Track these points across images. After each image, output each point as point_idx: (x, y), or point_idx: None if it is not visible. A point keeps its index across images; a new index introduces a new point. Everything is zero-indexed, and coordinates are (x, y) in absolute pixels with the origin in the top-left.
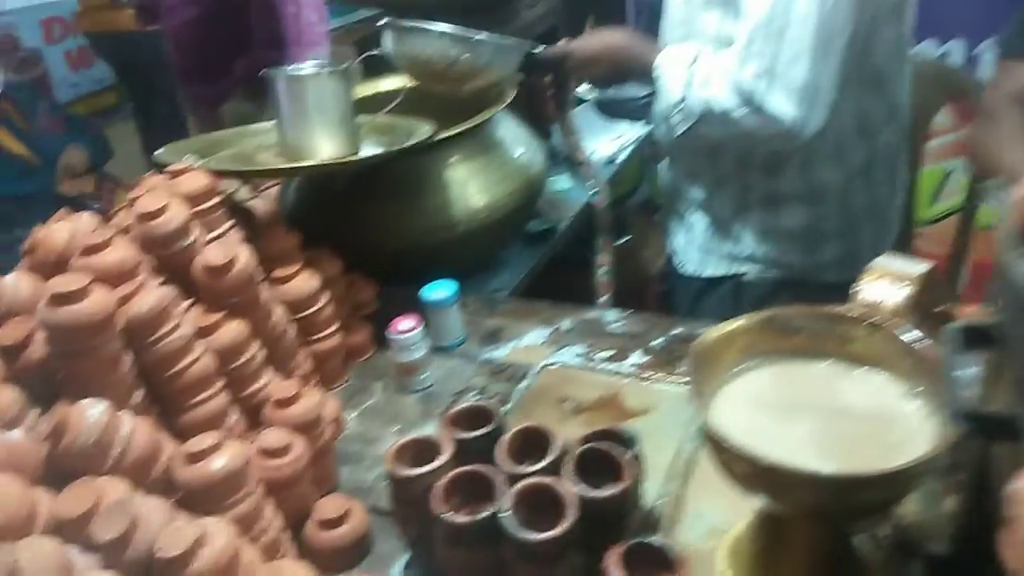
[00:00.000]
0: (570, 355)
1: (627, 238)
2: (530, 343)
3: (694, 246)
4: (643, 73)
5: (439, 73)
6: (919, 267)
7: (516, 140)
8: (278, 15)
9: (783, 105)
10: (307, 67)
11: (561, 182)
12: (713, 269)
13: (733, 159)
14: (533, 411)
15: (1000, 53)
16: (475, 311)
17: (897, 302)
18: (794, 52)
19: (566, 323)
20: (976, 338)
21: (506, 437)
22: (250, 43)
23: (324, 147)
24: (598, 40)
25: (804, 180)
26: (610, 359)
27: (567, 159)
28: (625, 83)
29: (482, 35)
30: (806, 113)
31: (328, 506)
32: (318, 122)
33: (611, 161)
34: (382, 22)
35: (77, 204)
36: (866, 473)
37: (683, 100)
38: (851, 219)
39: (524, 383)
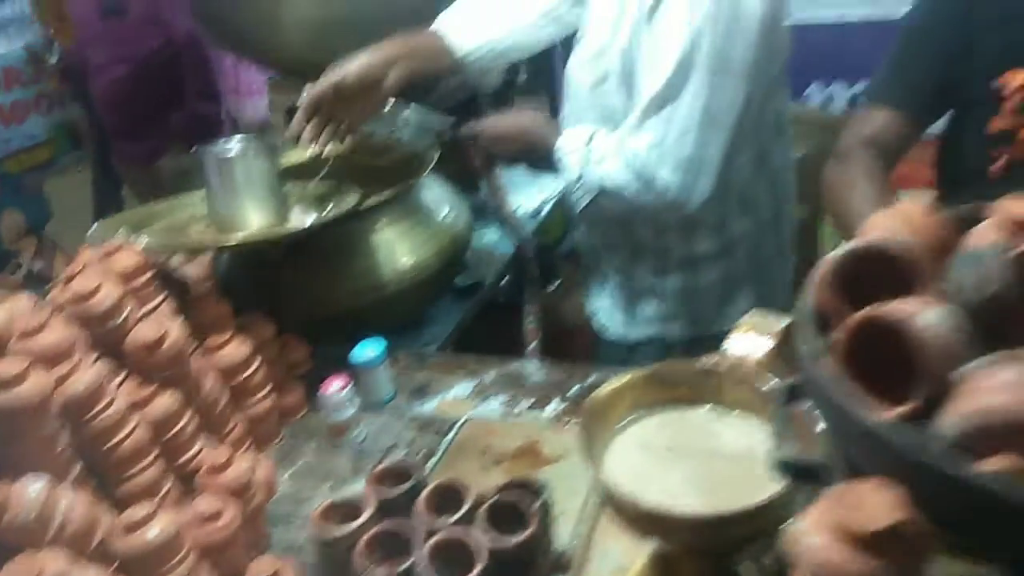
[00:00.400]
0: (493, 406)
1: (556, 284)
2: (456, 396)
3: (617, 310)
4: (547, 153)
5: (358, 145)
6: (782, 321)
7: (440, 201)
8: (212, 67)
9: (670, 177)
10: (235, 145)
11: (489, 236)
12: (637, 333)
13: (650, 227)
14: (457, 463)
15: (864, 100)
16: (405, 367)
17: (761, 354)
18: (683, 128)
19: (490, 375)
20: (798, 396)
21: (424, 493)
22: (183, 97)
23: (254, 219)
24: (508, 121)
25: (719, 236)
26: (530, 408)
27: (494, 213)
28: (532, 162)
29: (400, 112)
30: (691, 184)
31: (259, 568)
32: (247, 197)
33: (537, 213)
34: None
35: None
36: (731, 511)
37: (581, 178)
38: (761, 266)
39: (449, 436)
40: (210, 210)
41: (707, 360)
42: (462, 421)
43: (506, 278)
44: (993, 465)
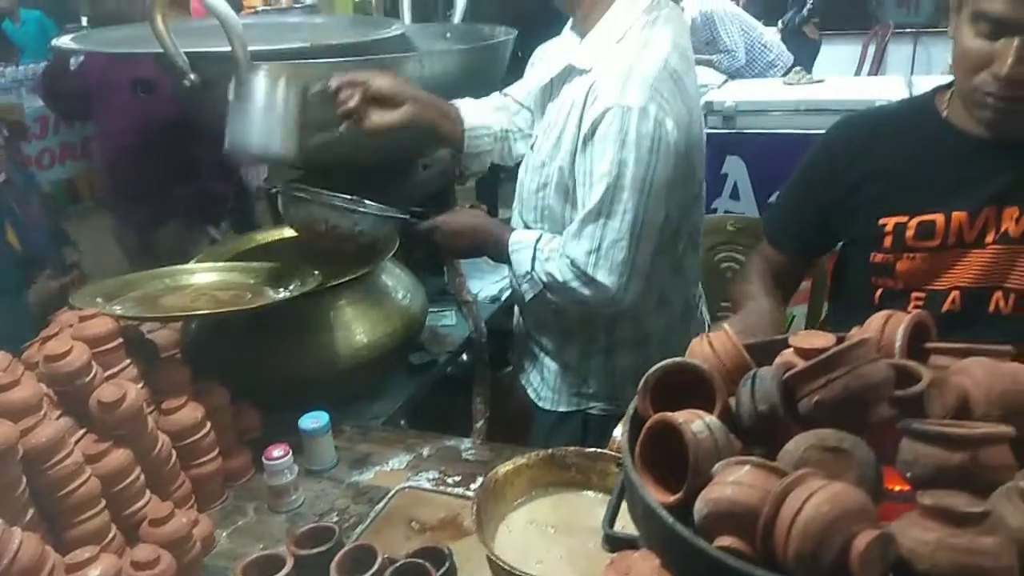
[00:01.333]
0: (425, 479)
1: (509, 369)
2: (393, 467)
3: (547, 386)
4: (497, 249)
5: (322, 234)
6: None
7: (399, 285)
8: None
9: (607, 279)
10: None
11: (447, 318)
12: (564, 406)
13: (577, 317)
14: (384, 530)
15: (763, 233)
16: (349, 437)
17: None
18: (615, 237)
19: (427, 450)
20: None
21: (338, 555)
22: (193, 172)
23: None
24: (462, 218)
25: (636, 329)
26: (458, 483)
27: (454, 297)
28: (481, 256)
29: (360, 206)
30: (625, 285)
31: None
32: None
33: (495, 300)
34: (276, 188)
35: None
36: None
37: (529, 273)
38: (673, 354)
39: (381, 504)
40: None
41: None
42: (394, 491)
43: (460, 358)
44: (721, 542)
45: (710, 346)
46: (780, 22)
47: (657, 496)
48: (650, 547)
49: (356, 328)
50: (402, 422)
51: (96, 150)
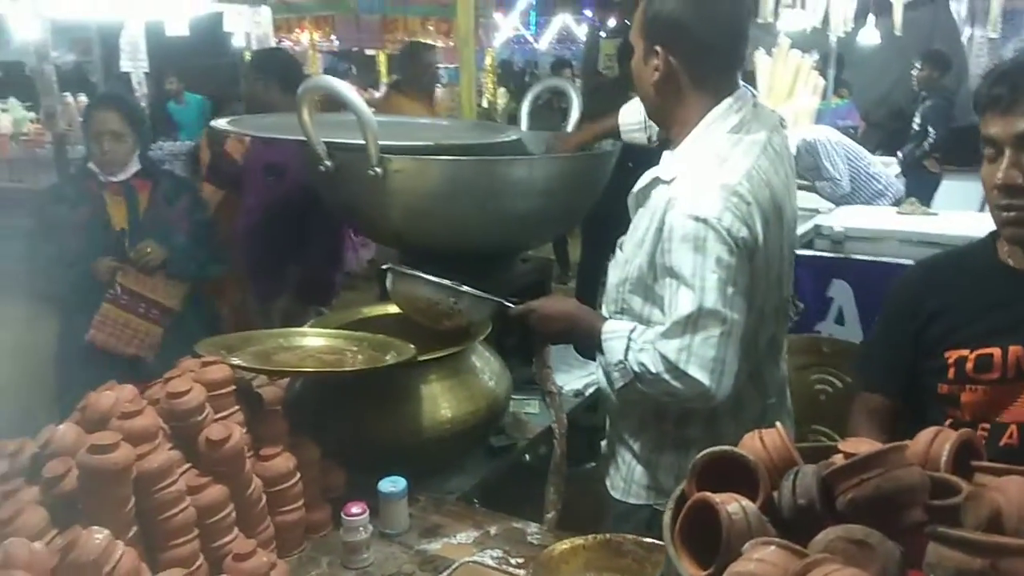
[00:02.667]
0: (489, 556)
1: (591, 465)
2: (461, 541)
3: (620, 475)
4: (590, 336)
5: (423, 310)
6: None
7: (487, 367)
8: (338, 235)
9: (699, 374)
10: None
11: (531, 407)
12: (635, 498)
13: (651, 411)
14: None
15: (858, 381)
16: (423, 507)
17: None
18: (705, 336)
19: (494, 528)
20: None
21: None
22: (307, 252)
23: None
24: (557, 304)
25: (708, 430)
26: (520, 565)
27: (539, 387)
28: (572, 342)
29: (463, 288)
30: (718, 380)
31: None
32: None
33: (579, 394)
34: (385, 266)
35: None
36: None
37: (622, 362)
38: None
39: (444, 574)
40: None
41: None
42: (457, 564)
43: (540, 447)
44: None
45: (761, 441)
46: (899, 153)
47: (691, 570)
48: None
49: (442, 403)
50: (475, 501)
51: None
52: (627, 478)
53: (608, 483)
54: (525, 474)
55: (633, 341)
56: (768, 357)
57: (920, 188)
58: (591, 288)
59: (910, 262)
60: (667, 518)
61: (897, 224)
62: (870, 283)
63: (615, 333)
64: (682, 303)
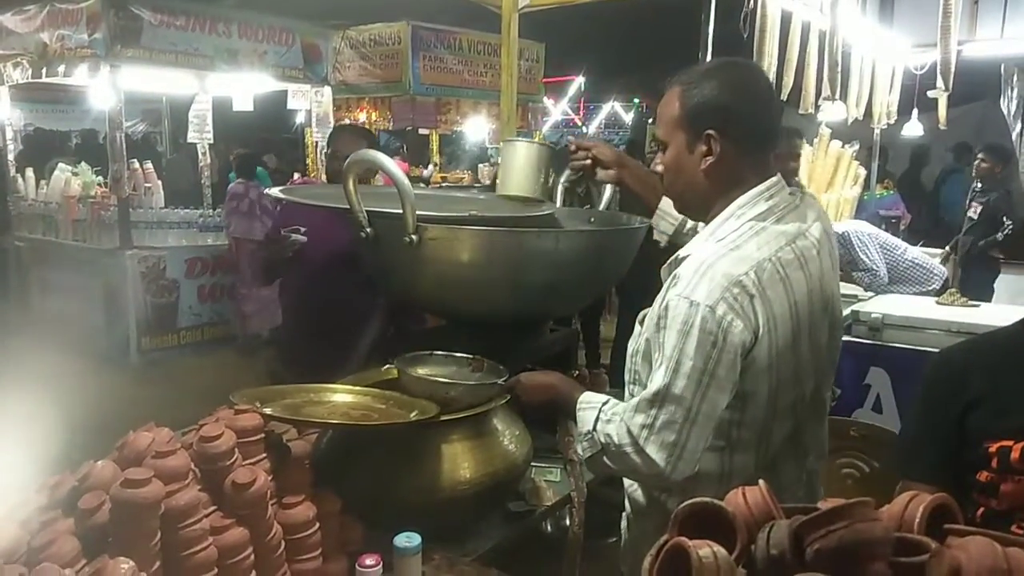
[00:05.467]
0: None
1: (611, 540)
2: None
3: (630, 552)
4: (568, 406)
5: (433, 395)
6: None
7: (507, 431)
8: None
9: (656, 455)
10: None
11: (552, 475)
12: None
13: (677, 503)
14: None
15: (898, 472)
16: (437, 565)
17: None
18: (668, 419)
19: None
20: None
21: None
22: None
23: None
24: (539, 376)
25: None
26: None
27: (561, 455)
28: (556, 413)
29: (460, 383)
30: (673, 464)
31: None
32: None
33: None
34: (385, 367)
35: None
36: None
37: (591, 432)
38: None
39: None
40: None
41: None
42: None
43: (559, 518)
44: None
45: (743, 497)
46: (948, 247)
47: None
48: None
49: (461, 462)
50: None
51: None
52: (637, 553)
53: (624, 569)
54: (542, 542)
55: (603, 412)
56: (786, 453)
57: (980, 279)
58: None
59: None
60: (646, 564)
61: (936, 313)
62: (908, 371)
63: (589, 404)
64: (655, 379)
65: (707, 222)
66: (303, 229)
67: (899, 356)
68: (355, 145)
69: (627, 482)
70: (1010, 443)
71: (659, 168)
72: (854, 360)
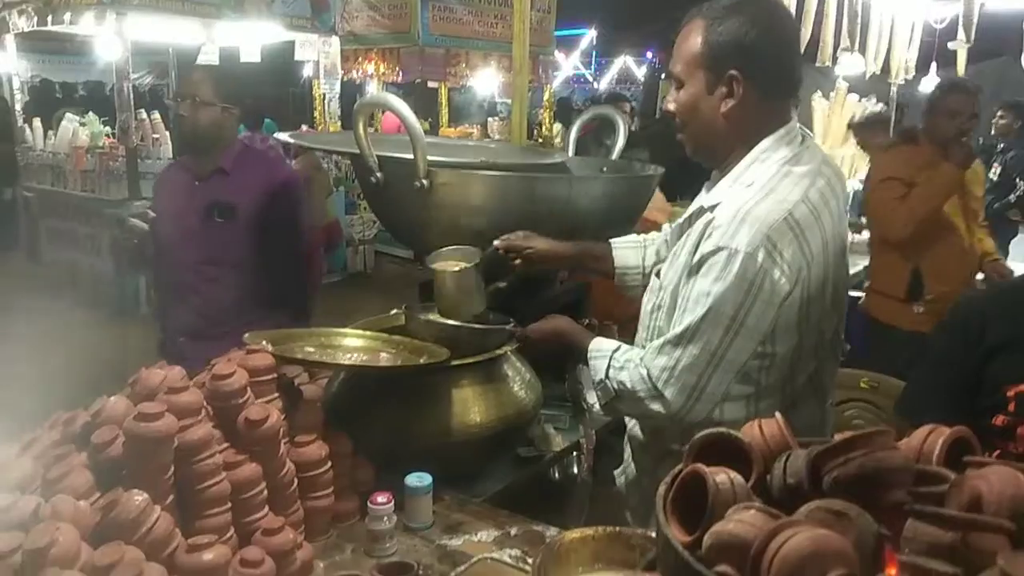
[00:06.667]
0: (507, 555)
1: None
2: (481, 539)
3: (643, 504)
4: (579, 353)
5: (442, 339)
6: None
7: (518, 377)
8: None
9: (674, 397)
10: None
11: (561, 423)
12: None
13: (678, 436)
14: None
15: (896, 412)
16: (447, 505)
17: None
18: (691, 363)
19: (515, 530)
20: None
21: None
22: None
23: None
24: (548, 323)
25: None
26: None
27: (571, 403)
28: (567, 359)
29: (469, 326)
30: (690, 407)
31: None
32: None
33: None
34: (394, 312)
35: None
36: None
37: (603, 380)
38: None
39: (462, 568)
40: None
41: None
42: (476, 559)
43: (568, 465)
44: (718, 570)
45: (759, 428)
46: None
47: (677, 535)
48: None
49: (472, 407)
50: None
51: None
52: (649, 507)
53: (629, 514)
54: (549, 487)
55: (615, 359)
56: (807, 395)
57: (1000, 238)
58: None
59: None
60: (661, 490)
61: None
62: None
63: (599, 352)
64: (683, 322)
65: (721, 168)
66: (151, 214)
67: None
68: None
69: (628, 420)
70: None
71: (671, 107)
72: (863, 316)
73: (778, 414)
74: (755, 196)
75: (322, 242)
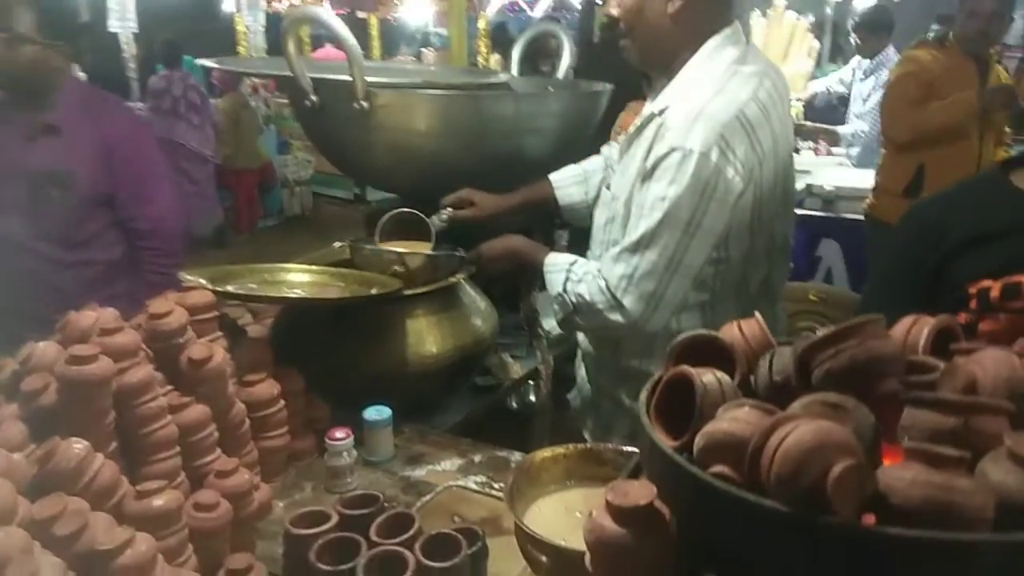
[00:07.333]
0: (473, 481)
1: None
2: (445, 468)
3: (600, 426)
4: (535, 270)
5: (390, 270)
6: None
7: (472, 307)
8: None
9: (633, 305)
10: None
11: (518, 351)
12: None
13: (636, 352)
14: (427, 519)
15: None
16: (408, 437)
17: None
18: (649, 269)
19: (478, 457)
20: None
21: (381, 517)
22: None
23: None
24: (502, 242)
25: None
26: (504, 488)
27: (527, 333)
28: (522, 277)
29: (418, 253)
30: (650, 315)
31: (237, 559)
32: None
33: (566, 339)
34: (338, 244)
35: None
36: None
37: (561, 295)
38: None
39: (428, 496)
40: None
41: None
42: (441, 487)
43: (526, 393)
44: (713, 470)
45: (739, 329)
46: None
47: (664, 440)
48: (651, 481)
49: (428, 337)
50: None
51: None
52: (609, 426)
53: (589, 435)
54: (509, 416)
55: (572, 272)
56: (760, 300)
57: None
58: None
59: None
60: (643, 396)
61: None
62: (858, 242)
63: (556, 266)
64: (639, 228)
65: (668, 74)
66: None
67: (851, 227)
68: None
69: (582, 341)
70: (990, 283)
71: (614, 11)
72: (806, 232)
73: (757, 314)
74: (706, 95)
75: (256, 184)
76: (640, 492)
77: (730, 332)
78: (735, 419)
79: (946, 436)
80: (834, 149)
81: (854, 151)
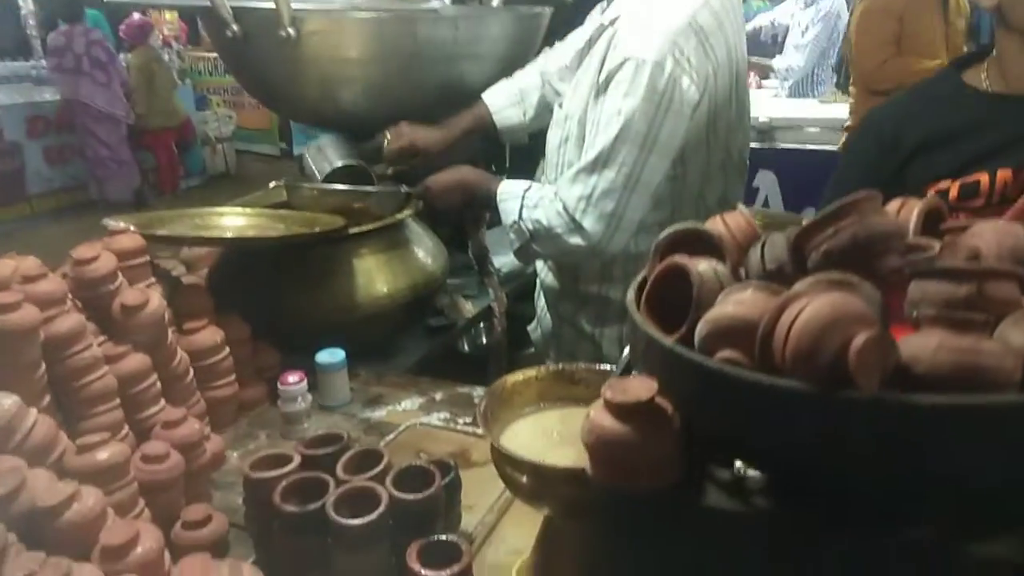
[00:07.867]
0: (436, 418)
1: (529, 351)
2: (406, 408)
3: (564, 353)
4: (487, 200)
5: (331, 208)
6: None
7: (420, 245)
8: None
9: (593, 227)
10: None
11: (469, 288)
12: None
13: (596, 277)
14: (393, 457)
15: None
16: (364, 380)
17: None
18: (608, 188)
19: (439, 395)
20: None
21: (346, 455)
22: None
23: None
24: (450, 174)
25: None
26: (468, 424)
27: (477, 269)
28: (472, 209)
29: (360, 189)
30: (610, 235)
31: (194, 511)
32: None
33: (517, 276)
34: (274, 184)
35: None
36: None
37: (516, 222)
38: None
39: (391, 435)
40: None
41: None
42: (404, 426)
43: (478, 334)
44: (720, 355)
45: (723, 222)
46: None
47: (659, 333)
48: (654, 373)
49: (377, 277)
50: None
51: None
52: (572, 354)
53: (548, 359)
54: (464, 356)
55: (527, 199)
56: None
57: None
58: None
59: (834, 148)
60: (631, 295)
61: (821, 112)
62: (795, 172)
63: (509, 194)
64: (595, 146)
65: None
66: None
67: (786, 156)
68: None
69: (540, 270)
70: (948, 183)
71: None
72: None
73: (742, 205)
74: (658, 3)
75: (175, 143)
76: (640, 387)
77: (715, 226)
78: (740, 302)
79: (960, 305)
80: (765, 82)
81: (787, 84)
